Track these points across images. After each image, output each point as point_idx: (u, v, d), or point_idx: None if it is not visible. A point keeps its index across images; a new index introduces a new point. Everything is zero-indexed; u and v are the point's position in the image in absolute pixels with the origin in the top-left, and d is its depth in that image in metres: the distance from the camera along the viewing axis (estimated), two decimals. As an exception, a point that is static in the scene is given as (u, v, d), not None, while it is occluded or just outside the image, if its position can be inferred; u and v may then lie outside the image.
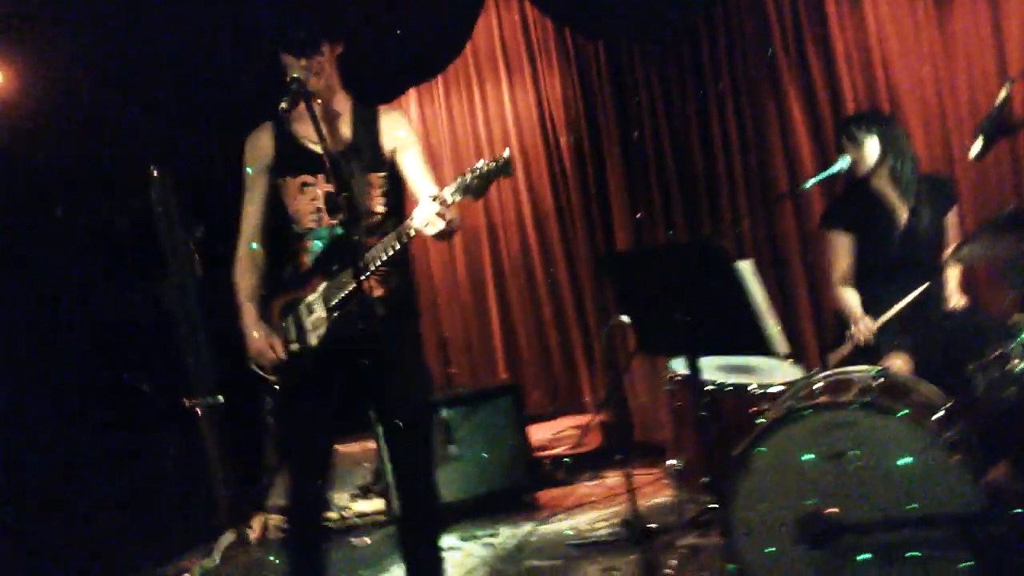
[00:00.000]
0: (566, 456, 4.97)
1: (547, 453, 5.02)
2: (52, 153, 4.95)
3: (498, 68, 5.44)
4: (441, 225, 2.60)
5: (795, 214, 4.69)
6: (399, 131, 2.88)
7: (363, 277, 2.63)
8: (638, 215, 5.05)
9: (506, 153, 2.59)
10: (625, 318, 3.44)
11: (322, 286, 2.79)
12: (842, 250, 3.61)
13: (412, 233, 2.65)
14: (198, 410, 5.22)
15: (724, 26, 4.74)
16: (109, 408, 5.07)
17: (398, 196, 2.89)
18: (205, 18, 4.56)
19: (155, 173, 5.03)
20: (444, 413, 4.45)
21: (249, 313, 2.86)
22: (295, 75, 2.66)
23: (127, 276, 5.28)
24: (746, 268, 2.65)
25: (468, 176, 2.58)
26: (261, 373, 2.86)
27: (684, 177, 4.96)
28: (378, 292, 2.78)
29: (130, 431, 5.00)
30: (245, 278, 2.91)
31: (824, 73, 4.52)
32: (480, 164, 2.58)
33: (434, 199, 2.58)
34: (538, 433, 5.06)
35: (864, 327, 3.43)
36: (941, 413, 2.68)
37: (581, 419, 5.33)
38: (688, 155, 4.92)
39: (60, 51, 4.77)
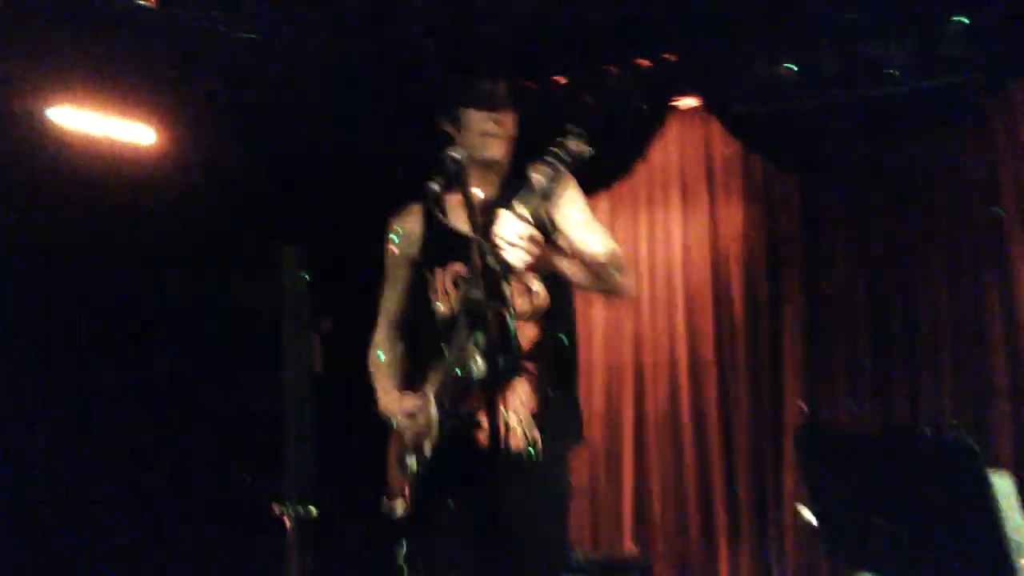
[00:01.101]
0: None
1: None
2: (188, 220, 4.74)
3: (671, 192, 4.86)
4: (515, 250, 2.02)
5: (1013, 416, 3.82)
6: (565, 196, 2.33)
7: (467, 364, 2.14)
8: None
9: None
10: (807, 512, 2.69)
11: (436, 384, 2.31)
12: None
13: (493, 259, 2.04)
14: (286, 519, 4.76)
15: (945, 175, 4.04)
16: (204, 499, 4.76)
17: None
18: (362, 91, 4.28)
19: (288, 253, 4.69)
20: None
21: (387, 392, 2.48)
22: (454, 154, 2.15)
23: (245, 360, 4.95)
24: (1004, 483, 1.93)
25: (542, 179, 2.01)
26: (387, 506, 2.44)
27: (878, 343, 4.18)
28: (518, 404, 2.29)
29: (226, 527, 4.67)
30: (381, 367, 2.56)
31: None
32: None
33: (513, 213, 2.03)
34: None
35: None
36: None
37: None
38: (885, 318, 4.17)
39: (211, 118, 4.62)
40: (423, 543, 2.42)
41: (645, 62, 4.13)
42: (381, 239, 2.59)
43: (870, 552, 2.29)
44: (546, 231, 2.26)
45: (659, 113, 4.24)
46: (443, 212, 2.31)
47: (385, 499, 2.50)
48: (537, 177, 2.03)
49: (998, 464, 2.94)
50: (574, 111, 4.22)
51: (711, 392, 4.72)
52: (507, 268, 2.05)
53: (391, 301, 2.59)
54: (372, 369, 2.58)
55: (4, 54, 4.14)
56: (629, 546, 4.76)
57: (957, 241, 4.05)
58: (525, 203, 2.03)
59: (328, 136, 4.49)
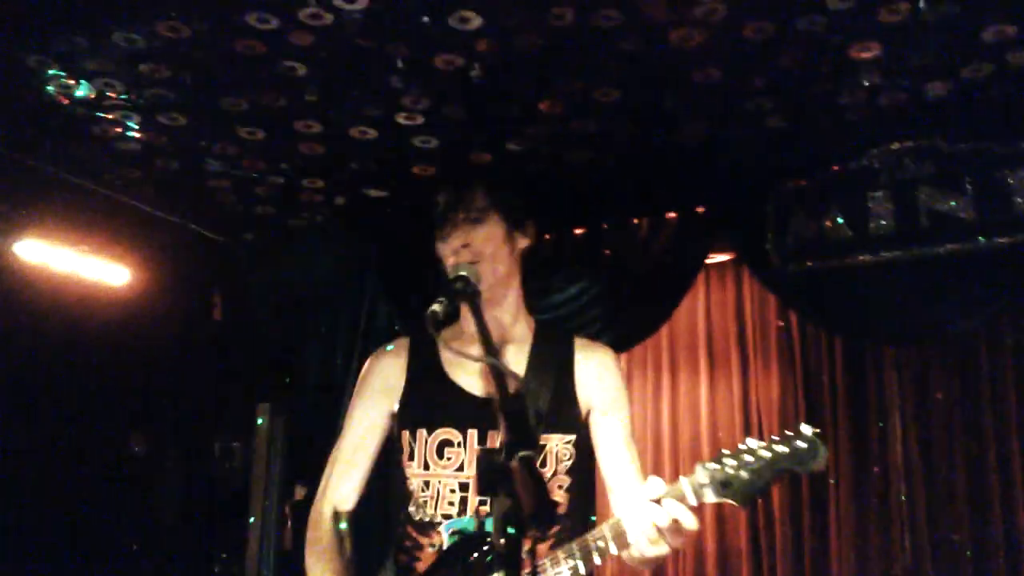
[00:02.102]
0: None
1: None
2: (156, 370, 4.25)
3: (697, 355, 4.37)
4: (663, 547, 1.55)
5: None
6: (604, 381, 1.92)
7: None
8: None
9: (806, 429, 1.51)
10: None
11: None
12: None
13: (607, 548, 1.60)
14: None
15: (1011, 338, 3.57)
16: None
17: (588, 483, 1.92)
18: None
19: (263, 410, 4.16)
20: None
21: None
22: (462, 272, 1.73)
23: (208, 531, 4.33)
24: None
25: (729, 462, 1.53)
26: None
27: (942, 539, 3.58)
28: None
29: None
30: (324, 566, 1.87)
31: None
32: (753, 444, 1.53)
33: (673, 494, 1.54)
34: None
35: None
36: None
37: None
38: (950, 509, 3.60)
39: (189, 260, 4.22)
40: None
41: (673, 214, 3.73)
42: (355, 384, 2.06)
43: None
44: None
45: (689, 269, 3.78)
46: (435, 350, 1.84)
47: None
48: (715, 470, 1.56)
49: None
50: (594, 265, 3.79)
51: (743, 586, 4.06)
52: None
53: (348, 467, 1.95)
54: (308, 557, 1.90)
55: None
56: None
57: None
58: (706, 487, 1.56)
59: (313, 289, 4.04)
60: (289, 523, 4.25)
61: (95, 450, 4.33)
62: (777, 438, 1.54)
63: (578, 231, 3.95)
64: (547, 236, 3.88)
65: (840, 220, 3.43)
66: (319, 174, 3.65)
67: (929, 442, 3.71)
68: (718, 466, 1.55)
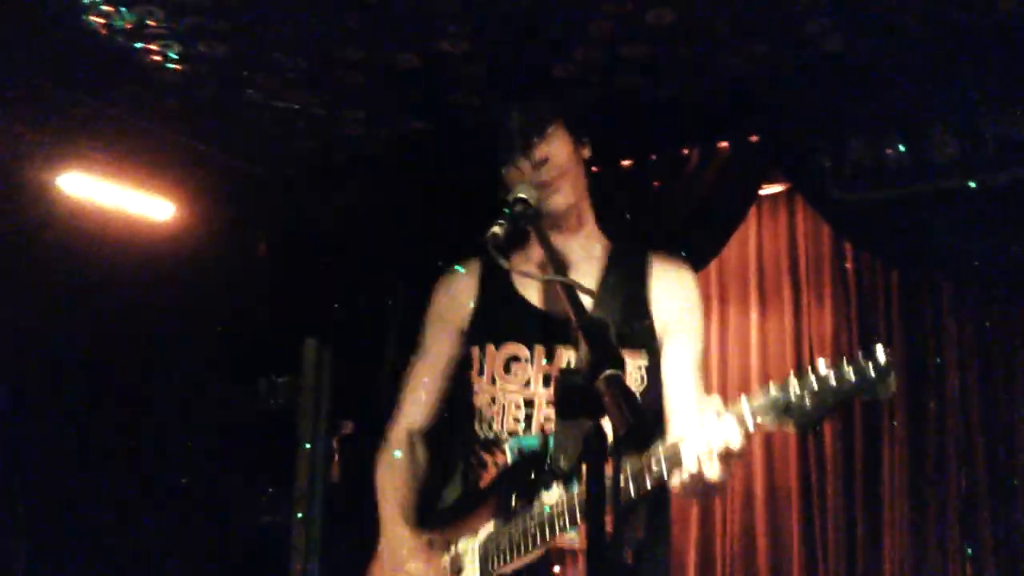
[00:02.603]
0: None
1: None
2: (200, 303, 4.28)
3: (748, 288, 4.24)
4: (714, 471, 1.50)
5: None
6: (680, 300, 1.86)
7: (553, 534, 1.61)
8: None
9: (881, 354, 1.43)
10: None
11: (486, 529, 1.72)
12: None
13: (673, 463, 1.55)
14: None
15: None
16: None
17: (660, 403, 1.81)
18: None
19: (309, 346, 4.16)
20: None
21: (398, 534, 1.83)
22: (520, 194, 1.68)
23: (256, 468, 4.39)
24: None
25: (794, 389, 1.46)
26: None
27: (997, 471, 3.50)
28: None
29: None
30: (395, 482, 1.91)
31: None
32: (821, 369, 1.45)
33: (735, 415, 1.49)
34: None
35: None
36: None
37: None
38: (1008, 442, 3.49)
39: (232, 195, 4.21)
40: None
41: (725, 144, 3.61)
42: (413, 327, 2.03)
43: None
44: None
45: (742, 200, 3.68)
46: (507, 262, 1.72)
47: None
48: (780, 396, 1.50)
49: None
50: (642, 198, 3.69)
51: (793, 525, 3.99)
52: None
53: (420, 382, 1.96)
54: (380, 476, 1.93)
55: (16, 121, 3.79)
56: None
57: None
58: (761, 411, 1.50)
59: (356, 218, 4.00)
60: (337, 456, 4.28)
61: (142, 385, 4.41)
62: (847, 363, 1.46)
63: (625, 163, 3.85)
64: (593, 169, 3.79)
65: (901, 147, 3.30)
66: (361, 105, 3.59)
67: (988, 378, 3.59)
68: (781, 390, 1.48)
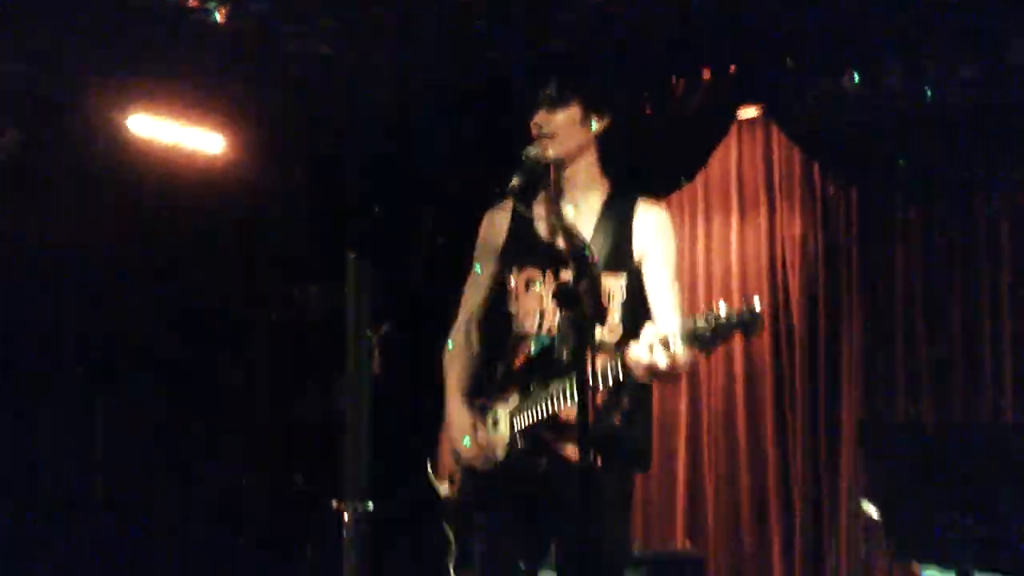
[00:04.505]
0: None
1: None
2: (257, 225, 4.87)
3: (729, 199, 4.92)
4: (654, 364, 2.06)
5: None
6: (655, 234, 2.43)
7: (557, 402, 2.21)
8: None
9: (756, 304, 1.97)
10: (871, 508, 2.76)
11: (514, 399, 2.38)
12: None
13: (623, 370, 2.14)
14: (345, 515, 4.87)
15: (1011, 188, 4.07)
16: (262, 503, 4.88)
17: (640, 313, 2.38)
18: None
19: (352, 261, 4.80)
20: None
21: (456, 404, 2.50)
22: (531, 152, 2.27)
23: (306, 368, 5.07)
24: None
25: (700, 322, 1.99)
26: (432, 479, 2.56)
27: (938, 352, 4.21)
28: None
29: (277, 528, 4.78)
30: (455, 366, 2.57)
31: None
32: (722, 311, 1.98)
33: (661, 341, 2.05)
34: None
35: None
36: None
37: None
38: (946, 329, 4.19)
39: (280, 126, 4.75)
40: (472, 533, 2.51)
41: (709, 74, 4.20)
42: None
43: (935, 545, 2.34)
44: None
45: (722, 123, 4.29)
46: (527, 208, 2.36)
47: (432, 474, 2.60)
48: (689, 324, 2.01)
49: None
50: (636, 122, 4.29)
51: (767, 395, 4.77)
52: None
53: (473, 293, 2.61)
54: (446, 361, 2.60)
55: (84, 65, 4.30)
56: (682, 543, 4.83)
57: (1016, 252, 4.07)
58: (682, 336, 2.01)
59: (396, 145, 4.60)
60: (377, 352, 4.97)
61: (207, 296, 5.01)
62: (735, 309, 1.97)
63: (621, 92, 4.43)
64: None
65: (855, 79, 3.89)
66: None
67: (930, 270, 4.26)
68: (691, 322, 2.02)
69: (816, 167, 4.57)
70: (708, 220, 4.99)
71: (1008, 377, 4.05)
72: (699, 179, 4.77)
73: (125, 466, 4.60)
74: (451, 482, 2.56)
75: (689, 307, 2.48)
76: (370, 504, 4.82)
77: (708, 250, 4.98)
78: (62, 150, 4.45)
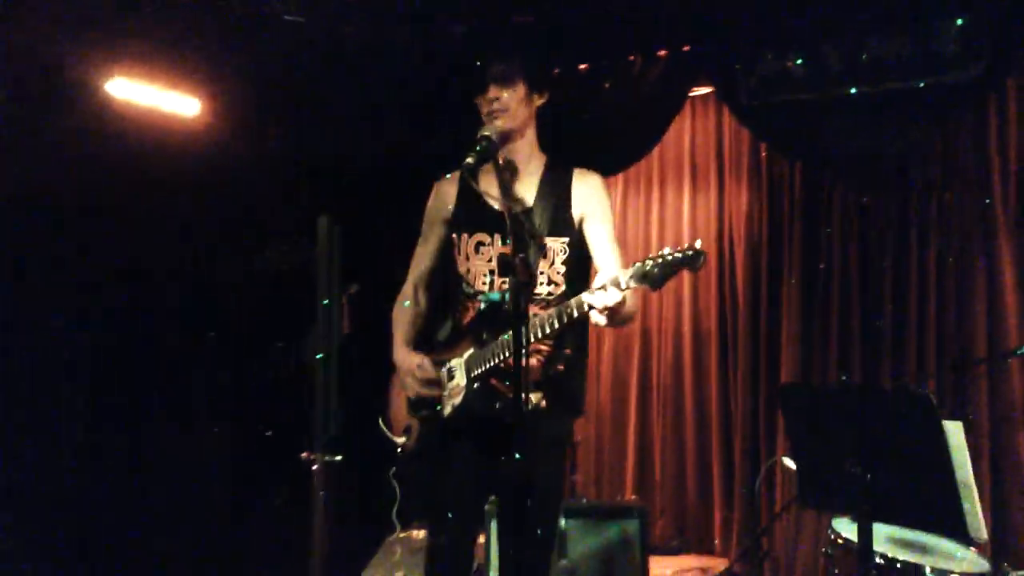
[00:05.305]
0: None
1: (666, 591, 4.56)
2: (228, 189, 5.04)
3: (682, 172, 5.19)
4: (609, 302, 2.26)
5: (990, 385, 4.14)
6: (591, 198, 2.66)
7: (508, 352, 2.42)
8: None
9: (698, 243, 2.20)
10: (789, 461, 3.04)
11: (468, 352, 2.61)
12: None
13: (578, 310, 2.34)
14: (313, 466, 5.09)
15: (940, 166, 4.34)
16: (231, 456, 5.09)
17: (582, 269, 2.65)
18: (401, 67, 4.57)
19: (322, 223, 5.01)
20: (562, 523, 4.09)
21: (402, 353, 2.76)
22: (485, 132, 2.48)
23: (276, 326, 5.27)
24: (955, 430, 2.25)
25: (649, 263, 2.23)
26: (388, 434, 2.77)
27: (868, 320, 4.50)
28: (534, 375, 2.52)
29: (245, 480, 4.96)
30: (403, 316, 2.82)
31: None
32: (665, 251, 2.23)
33: (612, 282, 2.28)
34: (658, 567, 4.60)
35: None
36: None
37: (708, 561, 4.84)
38: (877, 298, 4.48)
39: (253, 91, 4.91)
40: (424, 480, 2.74)
41: (663, 52, 4.42)
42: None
43: (844, 497, 2.62)
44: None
45: (676, 100, 4.52)
46: (476, 182, 2.55)
47: (384, 426, 2.82)
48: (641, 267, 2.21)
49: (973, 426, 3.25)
50: (596, 97, 4.51)
51: (712, 358, 5.08)
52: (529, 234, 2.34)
53: (422, 257, 2.84)
54: (394, 316, 2.85)
55: (64, 30, 4.43)
56: (630, 496, 5.15)
57: (947, 227, 4.32)
58: (633, 274, 2.21)
59: (365, 114, 4.79)
60: (346, 309, 5.19)
61: (179, 253, 5.17)
62: (678, 249, 2.20)
63: (582, 67, 4.65)
64: (555, 71, 4.58)
65: (799, 62, 4.14)
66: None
67: (864, 244, 4.53)
68: (643, 265, 2.24)
69: (763, 145, 4.83)
70: (663, 190, 5.26)
71: (931, 347, 4.32)
72: (655, 152, 5.03)
73: (96, 417, 4.77)
74: (407, 432, 2.79)
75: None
76: (338, 456, 5.09)
77: (662, 219, 5.25)
78: (41, 112, 4.59)
